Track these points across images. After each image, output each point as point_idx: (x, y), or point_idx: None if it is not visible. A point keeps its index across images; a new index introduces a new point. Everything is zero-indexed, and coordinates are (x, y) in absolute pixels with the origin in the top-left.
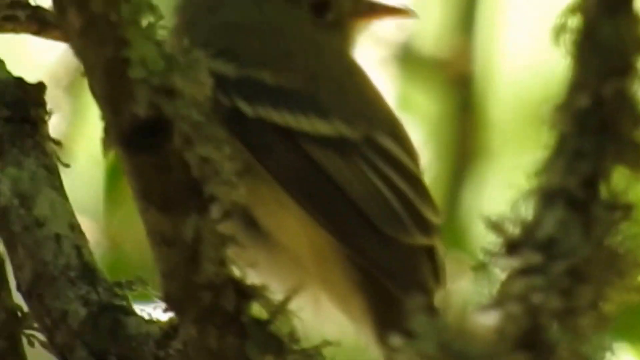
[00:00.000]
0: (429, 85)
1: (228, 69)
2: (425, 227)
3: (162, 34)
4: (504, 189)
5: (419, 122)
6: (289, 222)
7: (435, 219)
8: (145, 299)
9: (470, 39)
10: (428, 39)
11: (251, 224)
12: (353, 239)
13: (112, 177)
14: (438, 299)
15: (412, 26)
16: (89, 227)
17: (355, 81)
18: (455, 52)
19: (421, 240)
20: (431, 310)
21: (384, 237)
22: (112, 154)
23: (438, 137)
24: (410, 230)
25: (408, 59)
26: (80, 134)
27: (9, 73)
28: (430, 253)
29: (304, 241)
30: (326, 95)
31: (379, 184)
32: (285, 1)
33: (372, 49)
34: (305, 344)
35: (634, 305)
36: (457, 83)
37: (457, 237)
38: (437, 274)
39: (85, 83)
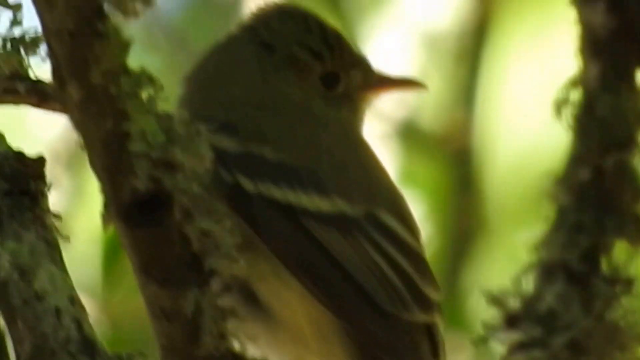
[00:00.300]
0: (430, 159)
1: (229, 144)
2: (425, 304)
3: (163, 106)
4: (504, 263)
5: (420, 196)
6: (288, 297)
7: (435, 296)
8: None
9: (470, 113)
10: (429, 112)
11: (251, 298)
12: (353, 316)
13: (111, 252)
14: None
15: (413, 100)
16: (88, 303)
17: (358, 157)
18: (455, 127)
19: (421, 317)
20: None
21: (383, 313)
22: (111, 228)
23: (439, 211)
24: (410, 308)
25: (409, 133)
26: (80, 208)
27: (8, 146)
28: (429, 330)
29: (304, 316)
30: (327, 171)
31: (380, 260)
32: (294, 74)
33: (374, 123)
34: None
35: None
36: (458, 157)
37: (456, 312)
38: (436, 350)
39: (85, 157)
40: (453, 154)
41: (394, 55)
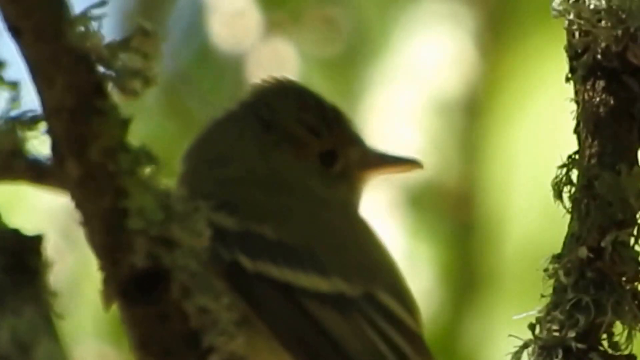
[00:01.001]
0: (437, 229)
1: (229, 222)
2: None
3: (163, 183)
4: (505, 340)
5: (427, 266)
6: None
7: None
8: None
9: (478, 173)
10: (438, 175)
11: None
12: None
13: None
14: None
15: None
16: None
17: (357, 236)
18: (462, 194)
19: None
20: None
21: None
22: (111, 306)
23: (445, 282)
24: None
25: (418, 199)
26: (84, 279)
27: (5, 224)
28: None
29: None
30: (326, 251)
31: (377, 341)
32: (293, 151)
33: (380, 190)
34: None
35: None
36: (463, 229)
37: None
38: None
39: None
40: (459, 225)
41: (404, 116)
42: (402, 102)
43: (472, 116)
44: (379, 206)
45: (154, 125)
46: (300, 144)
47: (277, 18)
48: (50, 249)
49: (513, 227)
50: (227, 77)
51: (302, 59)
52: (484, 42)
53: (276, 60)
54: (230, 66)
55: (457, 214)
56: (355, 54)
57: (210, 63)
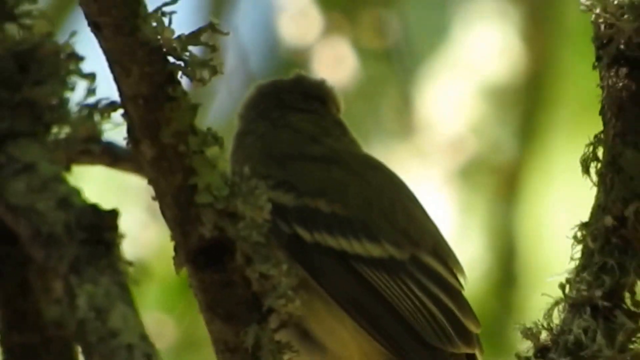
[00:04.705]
0: (485, 203)
1: (287, 199)
2: (467, 337)
3: (225, 162)
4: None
5: (476, 234)
6: (341, 332)
7: (475, 329)
8: None
9: (522, 162)
10: (486, 155)
11: (305, 334)
12: (402, 349)
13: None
14: None
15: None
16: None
17: (402, 202)
18: (507, 175)
19: (463, 349)
20: None
21: (430, 348)
22: (182, 271)
23: (491, 248)
24: (454, 341)
25: (467, 177)
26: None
27: (84, 201)
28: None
29: (356, 350)
30: (376, 220)
31: (425, 299)
32: (338, 130)
33: (435, 166)
34: None
35: None
36: (508, 203)
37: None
38: None
39: None
40: (505, 199)
41: (459, 101)
42: (456, 90)
43: (519, 101)
44: (434, 181)
45: (223, 112)
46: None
47: (335, 18)
48: (134, 223)
49: (551, 202)
50: (292, 70)
51: (358, 55)
52: (529, 35)
53: (335, 56)
54: (294, 61)
55: (503, 190)
56: (407, 49)
57: (277, 58)
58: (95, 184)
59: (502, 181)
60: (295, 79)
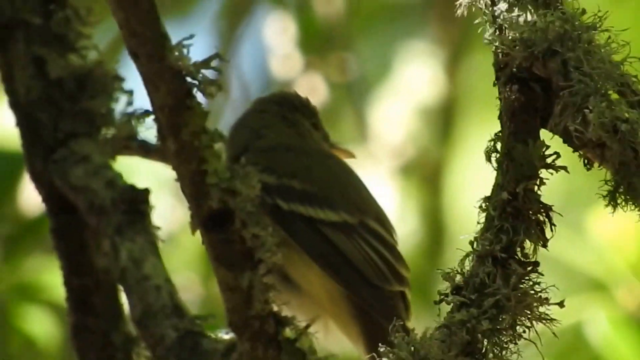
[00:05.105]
0: (418, 189)
1: (270, 180)
2: (400, 279)
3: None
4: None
5: (411, 213)
6: (310, 276)
7: (405, 273)
8: (216, 327)
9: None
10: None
11: (285, 278)
12: (353, 287)
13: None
14: (408, 324)
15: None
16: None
17: (352, 184)
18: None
19: (397, 287)
20: (404, 331)
21: (373, 286)
22: (196, 232)
23: (423, 224)
24: (390, 281)
25: (405, 170)
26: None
27: (125, 182)
28: (402, 296)
29: (321, 288)
30: (334, 195)
31: (370, 251)
32: (304, 131)
33: (381, 163)
34: (319, 356)
35: None
36: (435, 189)
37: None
38: (407, 309)
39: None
40: (433, 186)
41: (393, 120)
42: (397, 109)
43: (442, 117)
44: (381, 173)
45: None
46: (296, 122)
47: (311, 59)
48: (166, 206)
49: (465, 186)
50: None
51: (328, 86)
52: (449, 69)
53: (311, 86)
54: (282, 89)
55: (431, 180)
56: (362, 81)
57: (269, 88)
58: (134, 172)
59: (430, 174)
60: (282, 94)
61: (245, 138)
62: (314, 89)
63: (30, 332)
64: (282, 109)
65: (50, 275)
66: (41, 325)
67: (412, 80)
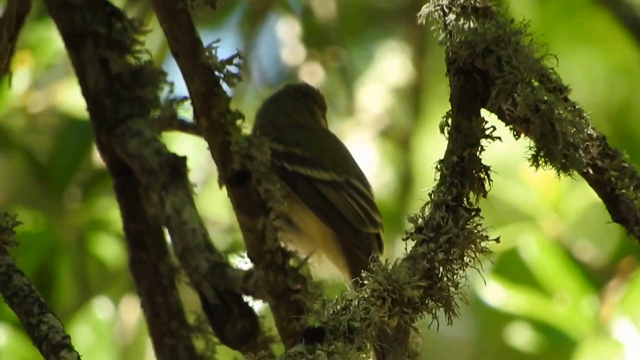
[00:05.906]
0: (392, 152)
1: (279, 147)
2: (374, 223)
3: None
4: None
5: (386, 170)
6: (308, 221)
7: (379, 219)
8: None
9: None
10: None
11: (289, 222)
12: (340, 230)
13: None
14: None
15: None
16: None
17: (340, 151)
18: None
19: (373, 230)
20: (379, 262)
21: (355, 229)
22: (223, 187)
23: (396, 179)
24: (367, 225)
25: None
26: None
27: (168, 150)
28: (377, 237)
29: (316, 230)
30: (325, 159)
31: (352, 202)
32: (305, 110)
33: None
34: (315, 280)
35: None
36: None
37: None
38: (381, 246)
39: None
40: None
41: (375, 97)
42: (378, 89)
43: (412, 95)
44: (364, 138)
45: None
46: (313, 111)
47: (312, 51)
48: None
49: (428, 150)
50: (290, 80)
51: (325, 71)
52: (415, 59)
53: (312, 72)
54: (291, 75)
55: (403, 144)
56: (351, 68)
57: (281, 73)
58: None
59: (402, 140)
60: (301, 85)
61: (274, 115)
62: (314, 74)
63: (102, 257)
64: (307, 100)
65: (116, 213)
66: (110, 251)
67: (388, 68)
